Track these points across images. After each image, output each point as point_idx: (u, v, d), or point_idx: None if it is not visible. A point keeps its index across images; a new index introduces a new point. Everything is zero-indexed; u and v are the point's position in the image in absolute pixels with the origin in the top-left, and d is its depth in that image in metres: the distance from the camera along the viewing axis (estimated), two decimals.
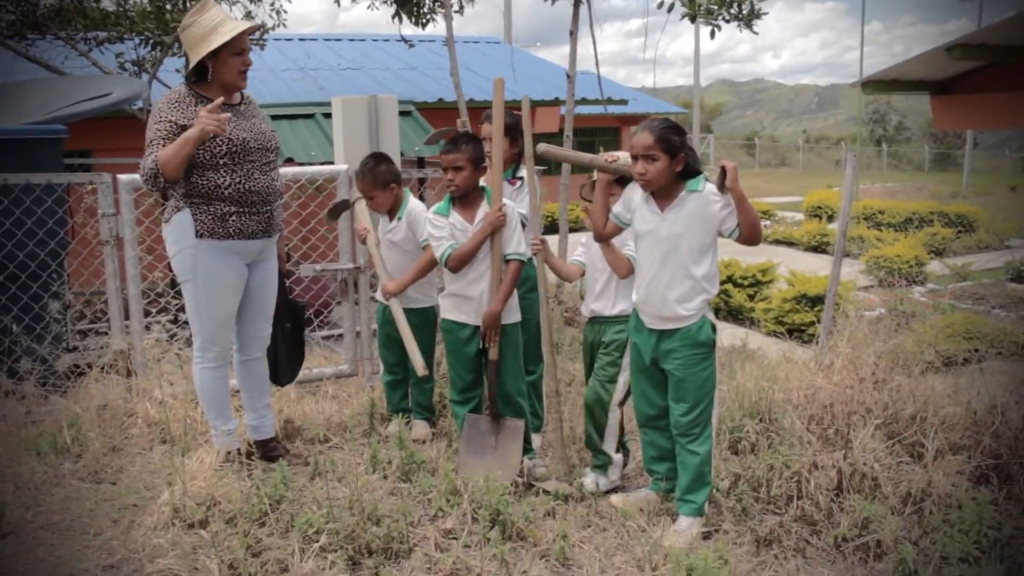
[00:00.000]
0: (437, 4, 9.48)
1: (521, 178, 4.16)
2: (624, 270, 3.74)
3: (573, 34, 8.31)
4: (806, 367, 4.94)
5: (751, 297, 10.28)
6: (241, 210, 3.74)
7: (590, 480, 3.92)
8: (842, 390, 4.29)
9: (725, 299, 10.11)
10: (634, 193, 3.53)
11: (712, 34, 7.11)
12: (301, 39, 17.24)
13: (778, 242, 15.40)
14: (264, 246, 3.91)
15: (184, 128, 3.57)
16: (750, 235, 3.33)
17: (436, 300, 4.38)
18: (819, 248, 14.65)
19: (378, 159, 4.34)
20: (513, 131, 4.08)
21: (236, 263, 3.80)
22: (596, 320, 3.93)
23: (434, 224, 4.01)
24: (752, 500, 3.69)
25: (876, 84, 9.33)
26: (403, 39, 10.07)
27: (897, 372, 4.65)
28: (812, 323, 8.84)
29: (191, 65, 3.67)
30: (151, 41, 8.64)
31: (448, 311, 4.08)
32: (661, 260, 3.41)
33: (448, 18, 8.74)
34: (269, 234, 3.89)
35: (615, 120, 21.74)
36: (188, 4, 8.49)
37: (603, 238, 3.75)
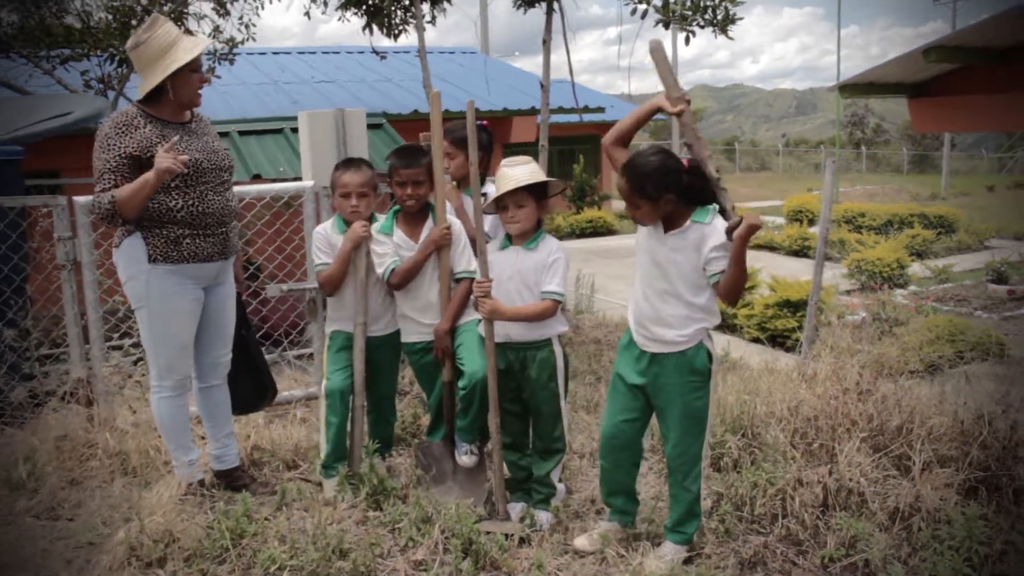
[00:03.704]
0: (409, 15, 9.34)
1: (484, 195, 4.04)
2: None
3: (546, 43, 8.20)
4: (789, 378, 4.82)
5: (733, 303, 10.16)
6: (195, 233, 3.59)
7: (544, 517, 3.67)
8: (826, 402, 4.17)
9: None
10: None
11: (687, 40, 7.02)
12: (275, 52, 17.12)
13: (760, 247, 15.32)
14: (220, 269, 3.76)
15: (136, 158, 3.44)
16: (727, 292, 3.13)
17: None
18: (800, 252, 14.57)
19: (362, 159, 4.08)
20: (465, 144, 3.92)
21: (192, 287, 3.65)
22: (511, 345, 3.64)
23: (377, 241, 3.89)
24: (735, 520, 3.56)
25: (853, 88, 9.28)
26: (375, 51, 9.93)
27: (882, 381, 4.53)
28: (795, 329, 8.75)
29: (153, 84, 3.51)
30: (116, 58, 8.46)
31: (407, 334, 3.96)
32: (657, 282, 3.26)
33: (420, 29, 8.61)
34: (225, 256, 3.74)
35: (595, 128, 21.64)
36: None
37: (615, 142, 3.33)
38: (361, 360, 3.91)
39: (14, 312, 4.76)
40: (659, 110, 3.22)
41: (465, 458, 3.79)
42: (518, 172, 3.52)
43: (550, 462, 3.71)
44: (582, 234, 17.53)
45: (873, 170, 41.65)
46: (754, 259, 12.76)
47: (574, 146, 21.80)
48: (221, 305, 3.83)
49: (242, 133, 6.91)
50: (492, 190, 3.85)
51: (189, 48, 3.50)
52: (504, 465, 3.75)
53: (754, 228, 2.95)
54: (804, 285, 9.21)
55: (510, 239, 3.65)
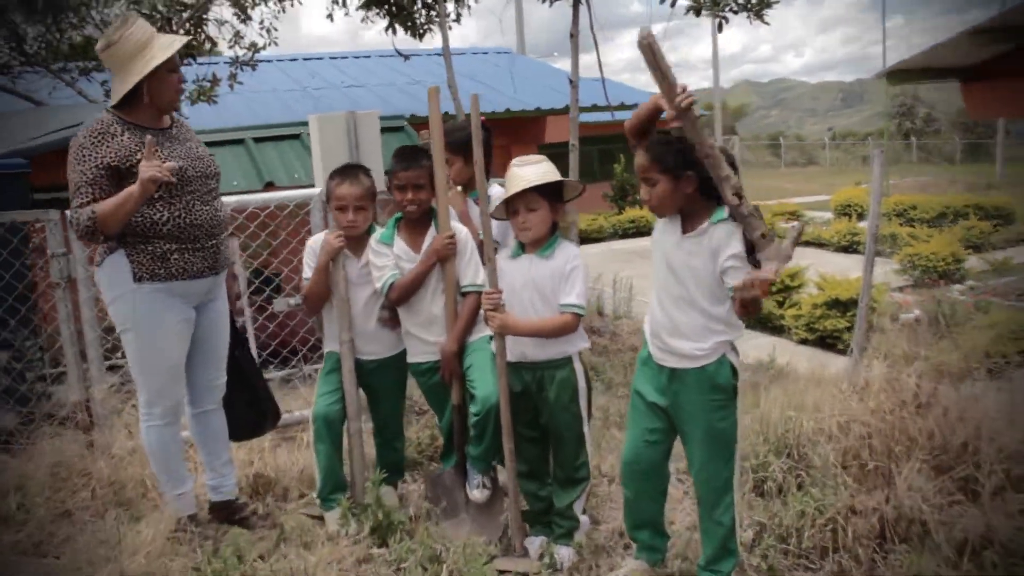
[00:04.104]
0: (433, 14, 9.05)
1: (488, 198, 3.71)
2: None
3: (574, 37, 7.84)
4: (838, 389, 4.40)
5: (780, 304, 9.73)
6: (183, 247, 3.30)
7: (565, 553, 3.30)
8: (881, 417, 3.75)
9: None
10: None
11: (720, 27, 6.61)
12: (306, 58, 16.95)
13: (807, 243, 14.78)
14: (211, 285, 3.46)
15: (114, 168, 3.16)
16: (740, 314, 2.74)
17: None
18: (850, 248, 14.00)
19: (360, 167, 3.76)
20: (465, 147, 3.56)
21: (181, 306, 3.36)
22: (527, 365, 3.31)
23: (376, 252, 3.57)
24: (780, 555, 3.18)
25: (902, 74, 8.76)
26: (398, 52, 9.67)
27: (942, 390, 4.09)
28: (845, 330, 8.30)
29: (129, 86, 3.23)
30: None
31: (412, 353, 3.64)
32: (673, 288, 2.89)
33: (443, 27, 8.31)
34: (216, 271, 3.44)
35: None
36: (175, 28, 8.15)
37: (632, 135, 2.93)
38: (351, 382, 3.60)
39: (7, 333, 4.53)
40: (660, 109, 2.80)
41: (476, 492, 3.43)
42: (528, 172, 3.17)
43: (572, 492, 3.35)
44: (624, 234, 17.18)
45: (924, 161, 40.43)
46: (801, 256, 12.24)
47: (614, 145, 21.36)
48: (213, 324, 3.54)
49: (258, 140, 6.65)
50: (497, 192, 3.50)
51: (165, 46, 3.21)
52: (521, 496, 3.40)
53: (765, 284, 2.54)
54: (854, 283, 8.76)
55: (523, 246, 3.31)
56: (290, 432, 4.68)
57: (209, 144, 6.75)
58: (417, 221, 3.55)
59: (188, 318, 3.39)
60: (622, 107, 13.83)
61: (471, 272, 3.49)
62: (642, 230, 17.18)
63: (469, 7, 9.01)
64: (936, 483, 3.37)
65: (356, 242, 3.64)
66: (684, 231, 2.85)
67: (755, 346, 7.65)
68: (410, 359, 3.65)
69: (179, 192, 3.27)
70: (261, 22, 9.25)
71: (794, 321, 9.07)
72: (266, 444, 4.38)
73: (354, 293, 3.65)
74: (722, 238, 2.76)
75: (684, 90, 2.63)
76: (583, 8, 7.85)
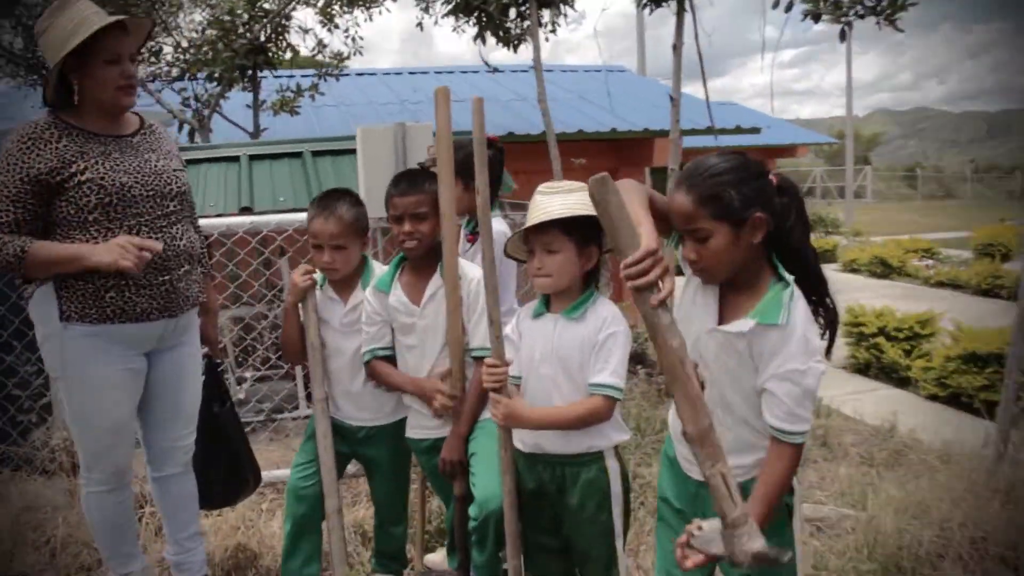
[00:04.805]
0: (525, 23, 8.39)
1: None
2: None
3: (676, 48, 7.02)
4: (971, 481, 3.44)
5: (907, 352, 8.58)
6: (122, 283, 2.66)
7: None
8: None
9: (877, 355, 8.50)
10: None
11: (842, 35, 5.68)
12: (411, 72, 16.57)
13: (941, 284, 13.37)
14: (167, 329, 2.81)
15: (42, 182, 2.56)
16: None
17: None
18: (992, 291, 12.53)
19: (346, 193, 3.01)
20: (468, 169, 2.83)
21: (123, 354, 2.73)
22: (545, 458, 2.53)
23: (368, 303, 2.87)
24: None
25: None
26: (486, 63, 9.04)
27: None
28: (983, 388, 7.14)
29: (52, 80, 2.66)
30: (212, 75, 7.96)
31: (411, 427, 2.91)
32: (707, 385, 2.07)
33: (535, 36, 7.64)
34: (171, 313, 2.79)
35: (756, 152, 19.96)
36: (257, 34, 7.78)
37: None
38: (326, 449, 2.90)
39: (11, 358, 4.07)
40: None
41: None
42: (554, 202, 2.38)
43: None
44: None
45: None
46: (935, 298, 11.02)
47: None
48: (175, 375, 2.90)
49: (316, 153, 6.12)
50: (501, 228, 2.76)
51: (90, 26, 2.57)
52: None
53: None
54: (995, 334, 7.58)
55: (547, 303, 2.53)
56: (276, 492, 4.02)
57: (266, 157, 6.35)
58: (420, 262, 2.81)
59: (133, 368, 2.76)
60: (738, 130, 12.85)
61: (483, 331, 2.70)
62: None
63: (565, 16, 8.31)
64: None
65: (342, 283, 2.95)
66: (721, 313, 2.02)
67: (875, 400, 6.62)
68: (409, 433, 2.91)
69: (119, 215, 2.64)
70: (346, 31, 8.80)
71: (923, 374, 7.92)
72: (264, 507, 3.74)
73: (338, 344, 2.95)
74: (767, 340, 1.92)
75: (651, 260, 1.76)
76: (688, 17, 7.03)
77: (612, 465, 2.46)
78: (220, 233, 4.18)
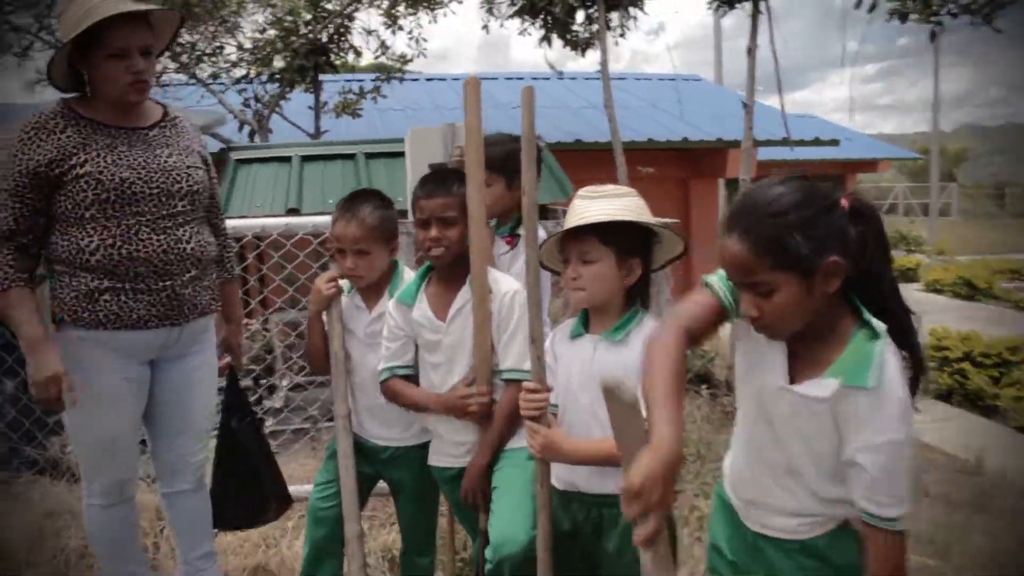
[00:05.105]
0: (594, 26, 8.12)
1: (520, 236, 2.68)
2: None
3: (751, 52, 6.65)
4: None
5: (995, 380, 8.06)
6: (118, 286, 2.46)
7: None
8: None
9: (961, 381, 8.00)
10: None
11: (932, 36, 5.28)
12: (483, 78, 16.41)
13: None
14: (170, 338, 2.60)
15: (42, 170, 2.39)
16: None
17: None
18: None
19: (373, 195, 2.74)
20: (509, 167, 2.65)
21: (120, 363, 2.52)
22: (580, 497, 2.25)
23: (391, 315, 2.60)
24: None
25: None
26: (551, 67, 8.78)
27: None
28: None
29: (60, 68, 2.49)
30: (274, 76, 7.89)
31: (435, 454, 2.63)
32: (769, 451, 1.77)
33: (602, 40, 7.37)
34: (173, 321, 2.57)
35: (837, 167, 19.32)
36: (317, 36, 7.68)
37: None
38: (347, 470, 2.66)
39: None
40: None
41: None
42: (592, 206, 2.11)
43: None
44: None
45: None
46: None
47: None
48: (182, 387, 2.69)
49: (370, 155, 5.95)
50: (541, 236, 2.48)
51: (96, 13, 2.36)
52: None
53: None
54: None
55: (586, 322, 2.25)
56: (300, 508, 3.82)
57: (319, 158, 6.22)
58: (449, 272, 2.53)
59: (133, 377, 2.55)
60: (816, 142, 12.37)
61: (516, 351, 2.41)
62: None
63: (635, 19, 8.00)
64: None
65: (368, 290, 2.71)
66: (793, 372, 1.70)
67: (960, 430, 6.14)
68: (432, 461, 2.63)
69: (117, 213, 2.43)
70: (410, 32, 8.64)
71: (1013, 403, 7.40)
72: (290, 524, 3.53)
73: (363, 356, 2.70)
74: (864, 410, 1.58)
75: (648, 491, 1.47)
76: (765, 23, 6.66)
77: None
78: (280, 234, 3.96)
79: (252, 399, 5.45)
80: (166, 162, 2.53)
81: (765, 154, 14.81)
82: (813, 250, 1.55)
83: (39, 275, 2.52)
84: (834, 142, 13.30)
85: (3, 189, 2.40)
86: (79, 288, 2.44)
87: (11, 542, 3.35)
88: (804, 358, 1.68)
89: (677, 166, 12.78)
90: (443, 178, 2.51)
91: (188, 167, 2.59)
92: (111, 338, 2.47)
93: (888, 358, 1.58)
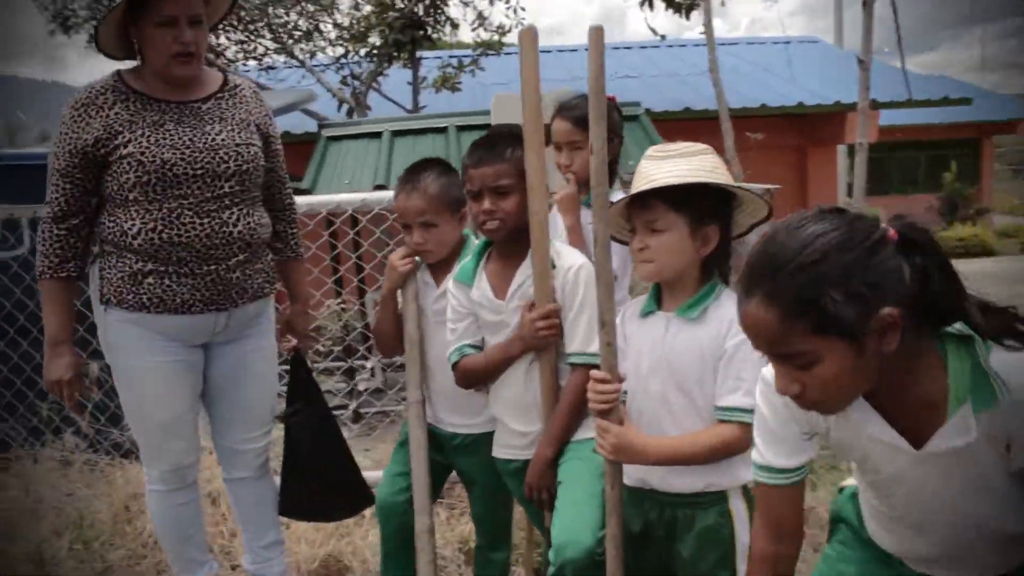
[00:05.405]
0: None
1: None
2: None
3: (867, 5, 6.15)
4: None
5: None
6: (161, 269, 2.36)
7: None
8: None
9: None
10: None
11: None
12: (560, 50, 16.00)
13: None
14: (218, 323, 2.48)
15: (90, 150, 2.30)
16: None
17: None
18: None
19: (434, 163, 2.53)
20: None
21: (167, 345, 2.43)
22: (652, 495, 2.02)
23: (452, 295, 2.39)
24: None
25: None
26: (653, 31, 8.40)
27: None
28: None
29: (106, 38, 2.40)
30: (372, 53, 7.84)
31: (498, 445, 2.41)
32: (930, 527, 1.51)
33: (706, 1, 6.98)
34: (220, 306, 2.44)
35: (968, 129, 18.10)
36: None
37: None
38: (420, 461, 2.50)
39: None
40: None
41: None
42: (660, 168, 1.87)
43: None
44: (951, 255, 14.47)
45: None
46: None
47: (948, 151, 18.39)
48: (237, 371, 2.59)
49: (461, 128, 5.78)
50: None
51: None
52: None
53: None
54: None
55: (658, 298, 2.02)
56: None
57: (409, 133, 6.08)
58: (508, 248, 2.31)
59: (183, 360, 2.46)
60: (944, 101, 11.56)
61: (582, 332, 2.18)
62: (972, 250, 14.36)
63: None
64: None
65: (438, 265, 2.52)
66: (897, 424, 1.41)
67: None
68: (495, 452, 2.42)
69: (159, 196, 2.32)
70: (508, 2, 8.41)
71: None
72: (368, 512, 3.42)
73: (433, 333, 2.52)
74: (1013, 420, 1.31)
75: None
76: None
77: (738, 509, 1.92)
78: (355, 210, 3.80)
79: (354, 381, 5.42)
80: (214, 140, 2.41)
81: (888, 118, 13.96)
82: (860, 307, 1.25)
83: (94, 253, 2.47)
84: (966, 100, 12.39)
85: (55, 169, 2.34)
86: (124, 270, 2.37)
87: (97, 523, 3.38)
88: (906, 412, 1.39)
89: (793, 133, 12.16)
90: (493, 143, 2.27)
91: (238, 144, 2.45)
92: (155, 321, 2.39)
93: (1003, 358, 1.31)
